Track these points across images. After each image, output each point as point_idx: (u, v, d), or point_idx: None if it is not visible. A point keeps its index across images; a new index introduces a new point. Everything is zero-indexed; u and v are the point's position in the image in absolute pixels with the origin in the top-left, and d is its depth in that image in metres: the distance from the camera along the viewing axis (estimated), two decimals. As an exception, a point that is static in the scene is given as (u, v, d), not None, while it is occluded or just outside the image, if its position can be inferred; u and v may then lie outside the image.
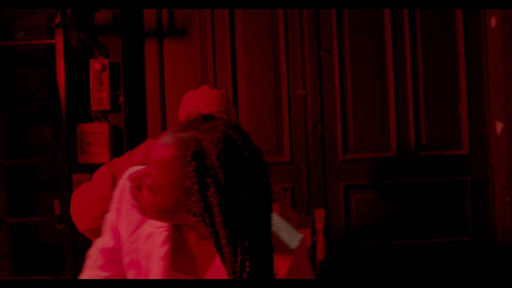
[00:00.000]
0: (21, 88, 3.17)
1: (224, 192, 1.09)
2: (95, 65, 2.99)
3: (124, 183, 1.39)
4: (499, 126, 3.19)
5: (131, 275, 1.38)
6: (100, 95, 3.01)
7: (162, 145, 1.16)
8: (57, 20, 2.67)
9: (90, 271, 1.51)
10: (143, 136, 3.17)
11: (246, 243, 1.11)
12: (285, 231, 1.30)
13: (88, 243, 1.69)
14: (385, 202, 3.25)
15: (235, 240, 1.11)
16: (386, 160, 3.25)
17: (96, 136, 3.00)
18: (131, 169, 1.39)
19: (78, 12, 2.95)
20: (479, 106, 3.26)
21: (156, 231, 1.31)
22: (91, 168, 3.01)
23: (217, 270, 1.26)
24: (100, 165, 2.96)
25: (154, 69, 3.25)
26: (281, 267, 1.25)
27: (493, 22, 3.20)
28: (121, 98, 3.09)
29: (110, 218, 1.44)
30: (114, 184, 1.80)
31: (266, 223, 1.16)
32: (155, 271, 1.31)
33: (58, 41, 2.80)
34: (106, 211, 1.58)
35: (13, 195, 3.15)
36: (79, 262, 2.80)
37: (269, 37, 3.25)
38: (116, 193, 1.42)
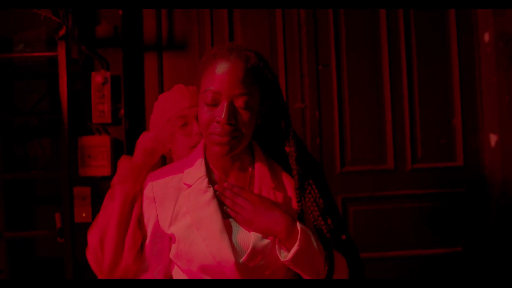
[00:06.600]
0: (20, 101, 3.13)
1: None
2: (97, 78, 2.97)
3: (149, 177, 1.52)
4: (493, 138, 3.26)
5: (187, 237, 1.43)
6: (102, 107, 2.98)
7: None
8: (62, 32, 2.64)
9: None
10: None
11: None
12: None
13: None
14: (382, 213, 3.28)
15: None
16: (383, 172, 3.29)
17: (97, 149, 2.98)
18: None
19: (79, 25, 2.93)
20: (473, 119, 3.32)
21: (194, 185, 1.45)
22: (92, 181, 3.00)
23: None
24: (102, 178, 2.99)
25: (153, 82, 3.25)
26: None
27: (486, 37, 3.28)
28: (122, 111, 3.07)
29: (150, 217, 1.50)
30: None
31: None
32: (208, 216, 1.42)
33: (61, 54, 2.78)
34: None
35: (12, 210, 3.10)
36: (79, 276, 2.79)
37: (268, 50, 3.28)
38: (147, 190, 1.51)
